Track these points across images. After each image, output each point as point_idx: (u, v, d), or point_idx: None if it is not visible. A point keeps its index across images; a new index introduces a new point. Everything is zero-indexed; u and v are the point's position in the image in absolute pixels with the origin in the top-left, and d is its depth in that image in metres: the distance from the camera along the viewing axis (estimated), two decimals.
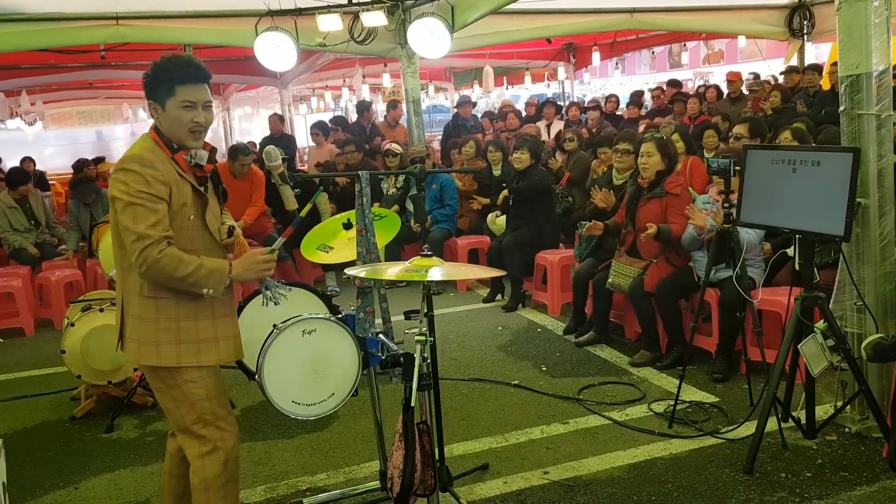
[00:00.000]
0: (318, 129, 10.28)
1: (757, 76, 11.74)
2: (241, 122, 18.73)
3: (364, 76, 12.29)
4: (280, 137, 10.47)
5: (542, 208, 6.66)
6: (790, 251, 3.68)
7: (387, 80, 12.80)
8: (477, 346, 5.77)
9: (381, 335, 3.08)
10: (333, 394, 2.83)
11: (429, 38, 7.32)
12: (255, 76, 13.87)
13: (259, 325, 3.09)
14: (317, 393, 2.80)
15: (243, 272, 2.65)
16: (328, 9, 7.59)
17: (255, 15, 7.62)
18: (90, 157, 10.65)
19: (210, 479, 2.75)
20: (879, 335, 3.40)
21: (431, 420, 2.73)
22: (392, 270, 2.84)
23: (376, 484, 3.58)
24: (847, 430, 3.89)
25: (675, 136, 6.30)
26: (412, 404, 2.56)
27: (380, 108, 16.37)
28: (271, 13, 7.62)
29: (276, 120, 10.94)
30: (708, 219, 4.84)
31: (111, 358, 4.81)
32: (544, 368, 5.20)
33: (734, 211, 3.98)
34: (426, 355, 2.66)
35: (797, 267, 3.66)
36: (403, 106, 9.23)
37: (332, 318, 2.82)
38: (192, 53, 9.05)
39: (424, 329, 2.72)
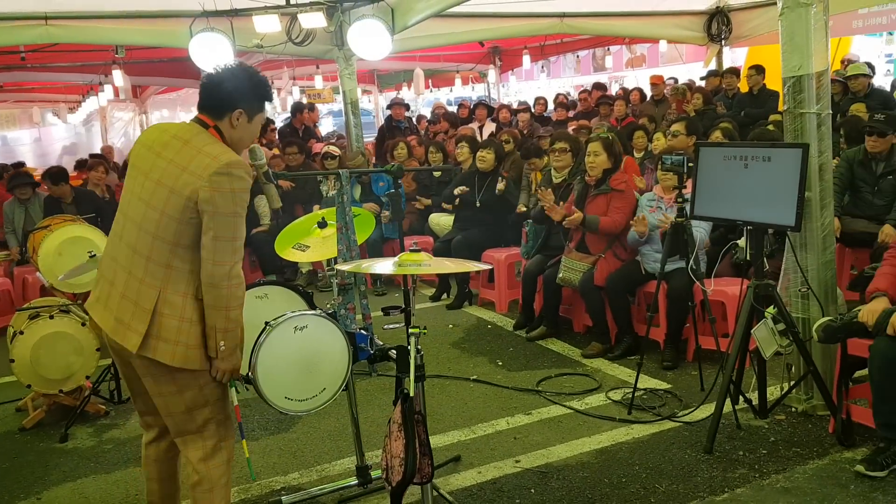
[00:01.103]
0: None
1: (675, 81, 12.21)
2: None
3: (295, 78, 12.21)
4: None
5: (503, 208, 6.79)
6: (741, 242, 3.90)
7: (319, 83, 12.74)
8: (430, 343, 5.84)
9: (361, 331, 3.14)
10: (325, 388, 2.86)
11: (369, 39, 7.35)
12: (179, 78, 13.60)
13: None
14: (309, 388, 2.83)
15: (227, 358, 2.67)
16: (265, 10, 7.53)
17: (189, 15, 7.49)
18: None
19: (215, 478, 2.76)
20: (828, 318, 3.65)
21: (424, 411, 2.80)
22: (380, 266, 2.90)
23: (353, 480, 3.62)
24: (794, 409, 4.15)
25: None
26: (411, 394, 2.62)
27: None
28: (206, 14, 7.51)
29: None
30: (653, 215, 5.07)
31: (63, 366, 4.70)
32: (500, 363, 5.33)
33: (687, 206, 4.18)
34: (420, 347, 2.73)
35: (748, 257, 3.88)
36: (321, 108, 9.23)
37: (323, 314, 2.86)
38: (123, 54, 8.89)
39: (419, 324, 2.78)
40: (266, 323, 2.73)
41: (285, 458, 4.11)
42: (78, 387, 4.80)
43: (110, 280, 2.71)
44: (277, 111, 15.34)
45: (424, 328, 2.78)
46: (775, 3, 3.94)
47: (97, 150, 13.87)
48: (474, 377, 5.06)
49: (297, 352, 2.79)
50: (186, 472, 2.80)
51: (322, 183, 8.34)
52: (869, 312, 3.44)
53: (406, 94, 15.60)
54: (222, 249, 2.56)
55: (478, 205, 6.85)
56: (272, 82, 14.99)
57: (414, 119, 12.39)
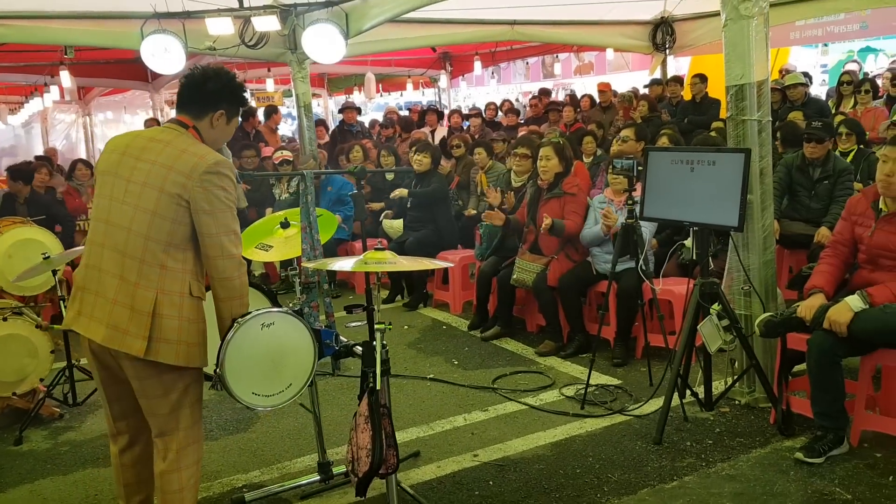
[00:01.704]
0: None
1: (611, 89, 12.49)
2: (103, 127, 17.91)
3: (245, 81, 12.14)
4: None
5: (441, 211, 6.92)
6: (688, 242, 4.09)
7: (270, 86, 12.71)
8: (387, 344, 5.90)
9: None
10: (291, 384, 2.92)
11: (323, 43, 7.41)
12: (126, 80, 13.45)
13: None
14: (276, 384, 2.88)
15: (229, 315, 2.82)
16: (218, 12, 7.53)
17: (140, 17, 7.45)
18: None
19: (185, 479, 2.80)
20: (769, 314, 3.85)
21: (389, 405, 2.89)
22: (345, 264, 2.98)
23: (314, 476, 3.68)
24: (737, 402, 4.35)
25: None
26: (377, 388, 2.71)
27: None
28: (158, 16, 7.47)
29: (153, 124, 10.68)
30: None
31: (16, 368, 4.66)
32: (456, 362, 5.44)
33: (637, 207, 4.35)
34: (385, 342, 2.82)
35: (694, 256, 4.07)
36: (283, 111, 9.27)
37: (290, 312, 2.93)
38: (72, 55, 8.77)
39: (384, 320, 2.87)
40: (233, 320, 2.79)
41: (245, 456, 4.15)
42: (32, 389, 4.76)
43: (94, 290, 2.71)
44: None
45: (389, 324, 2.87)
46: (717, 15, 4.15)
47: (36, 153, 13.59)
48: (431, 376, 5.16)
49: (264, 348, 2.84)
50: (158, 469, 2.81)
51: (275, 186, 8.37)
52: (807, 308, 3.64)
53: (356, 97, 15.64)
54: (228, 243, 2.65)
55: (408, 205, 7.00)
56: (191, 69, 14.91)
57: (367, 123, 12.45)
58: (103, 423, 4.61)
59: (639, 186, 4.35)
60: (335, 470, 3.69)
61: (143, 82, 13.06)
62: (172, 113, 12.37)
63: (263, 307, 3.12)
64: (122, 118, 17.85)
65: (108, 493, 3.83)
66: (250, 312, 2.82)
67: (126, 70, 13.03)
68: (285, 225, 3.57)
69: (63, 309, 4.77)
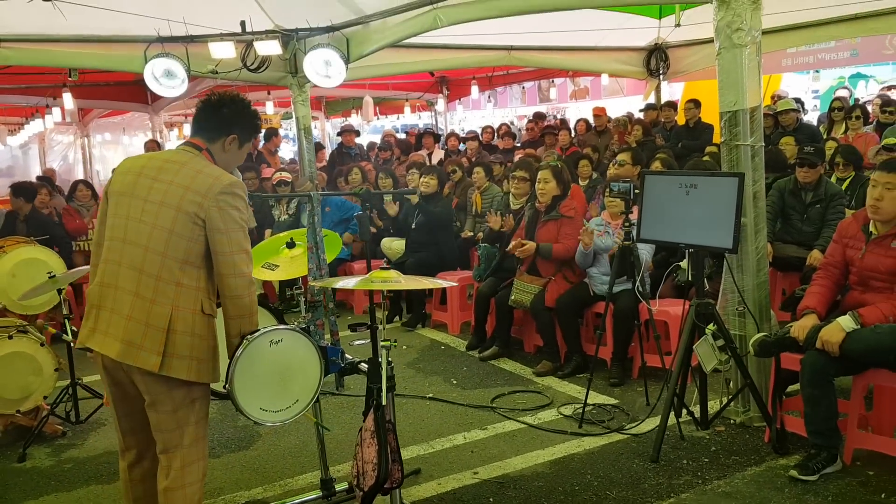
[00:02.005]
0: None
1: (606, 113, 12.62)
2: (101, 149, 18.01)
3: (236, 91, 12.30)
4: None
5: (444, 234, 7.02)
6: (683, 264, 4.18)
7: (270, 108, 12.84)
8: (392, 361, 5.98)
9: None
10: (298, 400, 2.99)
11: (324, 67, 7.54)
12: (125, 101, 13.56)
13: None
14: (283, 400, 2.95)
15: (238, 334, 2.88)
16: (221, 37, 7.66)
17: (144, 41, 7.57)
18: None
19: (189, 496, 2.83)
20: (763, 334, 3.94)
21: (394, 420, 2.96)
22: (352, 282, 3.07)
23: (317, 493, 3.74)
24: (732, 421, 4.42)
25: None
26: (383, 403, 2.78)
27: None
28: (161, 39, 7.60)
29: (154, 146, 10.83)
30: (601, 239, 5.34)
31: (21, 386, 4.70)
32: (455, 382, 5.50)
33: (634, 229, 4.45)
34: (391, 359, 2.89)
35: (690, 278, 4.16)
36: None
37: (297, 329, 3.00)
38: (76, 77, 8.88)
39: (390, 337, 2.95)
40: (243, 337, 2.86)
41: (248, 473, 4.20)
42: (35, 407, 4.81)
43: (110, 308, 2.77)
44: None
45: (395, 341, 2.94)
46: (710, 42, 4.27)
47: (34, 174, 13.69)
48: (430, 395, 5.22)
49: (273, 364, 2.91)
50: (162, 486, 2.85)
51: (274, 207, 8.46)
52: (800, 328, 3.73)
53: (354, 120, 15.79)
54: (240, 261, 2.73)
55: (413, 226, 7.09)
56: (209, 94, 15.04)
57: (365, 146, 12.58)
58: (106, 441, 4.72)
59: (635, 209, 4.45)
60: (337, 486, 3.74)
61: (143, 104, 13.16)
62: (172, 135, 12.59)
63: (270, 325, 3.20)
64: (120, 140, 17.95)
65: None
66: (259, 329, 2.89)
67: (125, 92, 13.15)
68: (291, 245, 3.66)
69: (67, 328, 4.84)
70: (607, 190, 5.19)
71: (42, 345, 4.80)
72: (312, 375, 3.04)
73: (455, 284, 3.85)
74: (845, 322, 3.54)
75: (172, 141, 14.82)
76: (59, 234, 7.79)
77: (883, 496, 3.47)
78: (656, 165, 6.60)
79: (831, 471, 3.69)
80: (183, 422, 2.80)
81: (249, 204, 3.09)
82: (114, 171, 2.97)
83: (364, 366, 3.10)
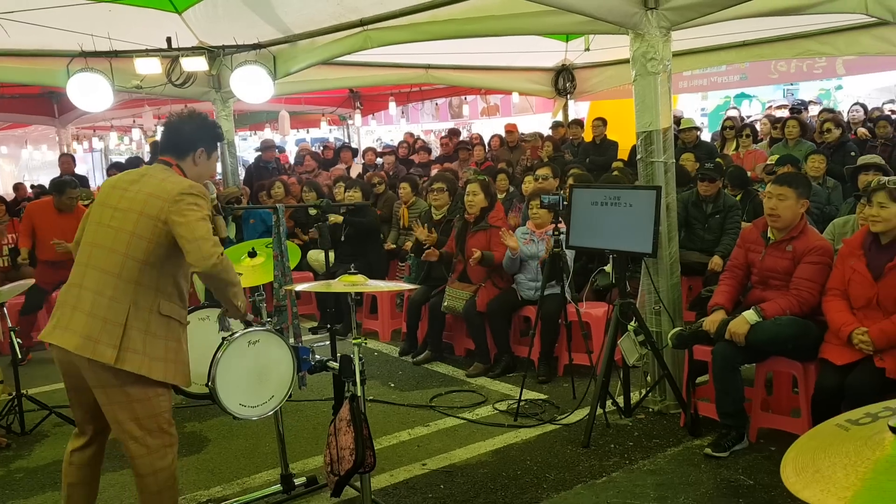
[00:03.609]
0: (118, 170, 10.15)
1: (518, 130, 13.19)
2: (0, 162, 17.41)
3: (160, 117, 12.22)
4: (73, 177, 10.18)
5: (372, 245, 7.31)
6: (608, 268, 4.63)
7: None
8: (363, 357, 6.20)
9: None
10: (273, 396, 3.24)
11: (251, 84, 7.70)
12: (29, 114, 13.25)
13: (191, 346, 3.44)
14: (260, 395, 3.20)
15: (237, 307, 3.11)
16: (146, 52, 7.72)
17: (67, 55, 7.55)
18: None
19: (162, 481, 3.04)
20: (679, 328, 4.43)
21: (365, 412, 3.25)
22: (321, 285, 3.34)
23: (278, 488, 3.96)
24: (651, 409, 4.90)
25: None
26: (357, 394, 3.08)
27: None
28: (84, 54, 7.59)
29: (69, 160, 10.68)
30: (527, 246, 5.76)
31: None
32: (392, 385, 5.80)
33: (563, 237, 4.88)
34: (362, 356, 3.19)
35: (614, 280, 4.61)
36: None
37: (272, 330, 3.25)
38: None
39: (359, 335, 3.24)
40: (223, 338, 3.09)
41: (204, 475, 4.37)
42: None
43: (73, 305, 2.98)
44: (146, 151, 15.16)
45: (365, 340, 3.23)
46: (614, 64, 4.74)
47: None
48: (371, 398, 5.49)
49: (251, 363, 3.16)
50: (134, 473, 3.06)
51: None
52: (710, 322, 4.24)
53: (267, 134, 15.84)
54: (203, 246, 2.87)
55: (342, 238, 7.36)
56: (133, 121, 14.84)
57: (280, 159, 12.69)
58: (53, 451, 4.80)
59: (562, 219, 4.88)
60: (297, 482, 3.98)
61: (49, 117, 12.90)
62: (80, 149, 12.32)
63: (237, 329, 3.44)
64: (19, 153, 17.37)
65: None
66: (236, 332, 3.13)
67: (30, 105, 12.87)
68: (252, 254, 3.89)
69: (14, 340, 4.88)
70: (538, 201, 5.61)
71: None
72: (286, 373, 3.31)
73: (414, 287, 4.12)
74: (750, 316, 4.06)
75: (79, 153, 14.48)
76: None
77: None
78: (571, 180, 7.11)
79: (740, 448, 4.20)
80: (141, 414, 2.96)
81: (222, 214, 3.33)
82: (100, 186, 3.20)
83: (334, 363, 3.37)
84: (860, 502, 1.27)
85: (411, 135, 13.19)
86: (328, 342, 3.65)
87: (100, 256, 2.98)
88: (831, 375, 3.79)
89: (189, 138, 3.13)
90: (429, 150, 12.30)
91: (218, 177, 11.82)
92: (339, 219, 7.30)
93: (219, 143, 3.27)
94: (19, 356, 4.82)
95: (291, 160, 14.19)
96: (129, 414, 2.97)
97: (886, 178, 3.92)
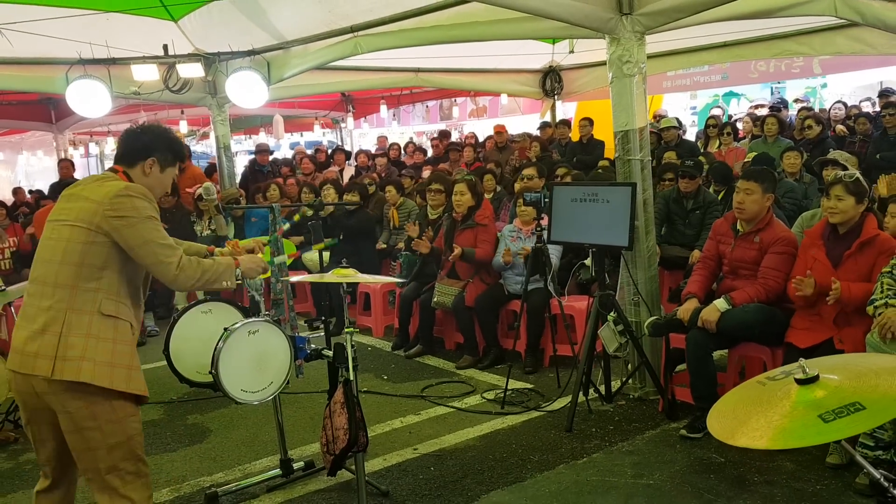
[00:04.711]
0: None
1: (506, 130, 13.45)
2: None
3: (158, 122, 12.45)
4: (72, 181, 10.41)
5: (366, 245, 7.56)
6: (588, 262, 4.88)
7: (184, 127, 13.02)
8: (317, 364, 6.40)
9: None
10: (272, 382, 3.48)
11: (246, 89, 7.93)
12: (27, 121, 13.45)
13: (189, 337, 3.68)
14: (260, 382, 3.43)
15: (248, 269, 3.11)
16: (143, 59, 7.95)
17: (66, 63, 7.77)
18: None
19: None
20: (655, 317, 4.67)
21: (358, 396, 3.48)
22: (315, 277, 3.57)
23: (277, 472, 4.20)
24: (631, 396, 5.14)
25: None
26: (351, 379, 3.31)
27: None
28: (83, 61, 7.81)
29: (68, 165, 10.92)
30: (515, 244, 6.00)
31: None
32: (385, 377, 6.03)
33: (545, 233, 5.13)
34: (354, 343, 3.43)
35: (593, 273, 4.86)
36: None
37: (270, 321, 3.49)
38: None
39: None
40: (224, 328, 3.33)
41: (206, 462, 4.60)
42: None
43: (20, 325, 2.80)
44: None
45: (356, 329, 3.46)
46: (599, 65, 4.98)
47: None
48: (364, 389, 5.72)
49: (251, 351, 3.39)
50: None
51: (196, 223, 8.74)
52: (684, 311, 4.48)
53: (261, 138, 16.07)
54: (158, 250, 2.76)
55: (340, 237, 7.60)
56: (131, 125, 15.04)
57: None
58: None
59: (545, 215, 5.12)
60: (295, 466, 4.21)
61: (47, 123, 13.11)
62: (77, 154, 12.56)
63: (238, 321, 3.68)
64: (16, 159, 17.55)
65: (82, 500, 4.20)
66: (238, 322, 3.37)
67: (28, 111, 13.07)
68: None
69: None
70: (521, 199, 5.85)
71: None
72: (284, 361, 3.54)
73: (403, 280, 4.36)
74: (720, 304, 4.31)
75: (76, 158, 14.69)
76: None
77: None
78: (562, 172, 7.44)
79: None
80: (114, 436, 2.74)
81: (223, 213, 3.55)
82: None
83: (329, 352, 3.60)
84: (774, 442, 1.51)
85: (385, 139, 13.40)
86: (323, 334, 3.86)
87: (40, 269, 2.81)
88: (796, 358, 4.02)
89: (143, 146, 2.96)
90: (424, 152, 12.54)
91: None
92: (331, 210, 7.52)
93: (178, 162, 3.08)
94: None
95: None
96: (101, 439, 2.72)
97: (843, 173, 4.17)
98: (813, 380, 1.61)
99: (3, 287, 5.13)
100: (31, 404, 2.79)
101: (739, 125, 10.84)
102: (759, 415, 1.51)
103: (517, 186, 7.39)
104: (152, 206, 2.83)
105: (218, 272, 2.96)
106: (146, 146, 2.97)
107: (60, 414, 2.71)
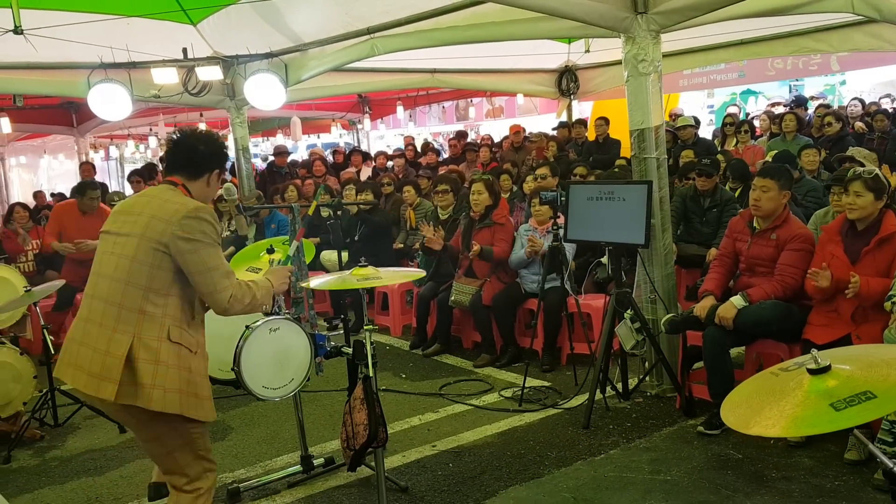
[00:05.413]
0: (140, 177, 10.53)
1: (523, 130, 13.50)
2: (18, 171, 17.80)
3: (176, 125, 12.58)
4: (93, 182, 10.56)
5: (384, 245, 7.62)
6: (604, 259, 4.90)
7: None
8: (336, 363, 6.45)
9: None
10: (293, 379, 3.54)
11: (264, 91, 8.01)
12: (49, 124, 13.64)
13: (211, 335, 3.73)
14: (281, 378, 3.49)
15: (279, 285, 3.14)
16: (163, 63, 8.05)
17: (87, 67, 7.88)
18: None
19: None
20: (671, 314, 4.69)
21: (377, 393, 3.53)
22: (332, 281, 3.63)
23: (298, 468, 4.26)
24: (648, 393, 5.16)
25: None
26: (370, 375, 3.36)
27: None
28: (104, 66, 7.93)
29: (89, 168, 11.12)
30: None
31: (2, 393, 5.00)
32: (403, 376, 6.08)
33: (561, 231, 5.15)
34: (373, 341, 3.48)
35: (610, 271, 4.88)
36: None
37: (291, 319, 3.55)
38: (21, 103, 9.07)
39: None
40: (246, 326, 3.39)
41: (228, 459, 4.67)
42: (15, 413, 5.13)
43: (79, 341, 2.83)
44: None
45: (375, 326, 3.51)
46: (615, 64, 5.01)
47: None
48: (383, 387, 5.77)
49: (272, 349, 3.45)
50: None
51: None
52: (701, 308, 4.50)
53: (279, 139, 16.20)
54: (216, 278, 2.78)
55: (356, 238, 7.65)
56: (150, 129, 15.22)
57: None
58: (85, 441, 5.13)
59: (561, 214, 5.15)
60: (316, 462, 4.27)
61: (68, 126, 13.29)
62: (98, 158, 12.73)
63: (259, 319, 3.74)
64: (38, 163, 17.79)
65: (107, 496, 4.29)
66: (259, 320, 3.42)
67: (50, 115, 13.25)
68: (270, 251, 4.17)
69: (47, 337, 5.19)
70: (537, 199, 5.89)
71: (21, 353, 5.13)
72: (304, 358, 3.60)
73: (422, 273, 4.38)
74: (737, 300, 4.32)
75: (97, 162, 14.88)
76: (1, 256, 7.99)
77: (771, 441, 4.24)
78: (580, 171, 7.49)
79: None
80: (173, 448, 2.86)
81: (243, 213, 3.61)
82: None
83: (348, 349, 3.66)
84: (787, 430, 1.54)
85: (412, 138, 13.47)
86: (342, 332, 3.92)
87: (103, 286, 2.82)
88: None
89: (205, 159, 2.98)
90: (437, 152, 12.58)
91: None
92: (354, 209, 7.59)
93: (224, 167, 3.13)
94: (52, 352, 5.11)
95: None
96: (162, 449, 2.87)
97: (862, 169, 4.17)
98: (825, 370, 1.64)
99: (28, 287, 5.23)
100: (100, 410, 3.03)
101: (756, 123, 10.80)
102: (772, 405, 1.54)
103: (526, 187, 7.44)
104: (217, 231, 2.86)
105: (260, 299, 2.98)
106: (210, 158, 2.99)
107: (127, 425, 2.96)
